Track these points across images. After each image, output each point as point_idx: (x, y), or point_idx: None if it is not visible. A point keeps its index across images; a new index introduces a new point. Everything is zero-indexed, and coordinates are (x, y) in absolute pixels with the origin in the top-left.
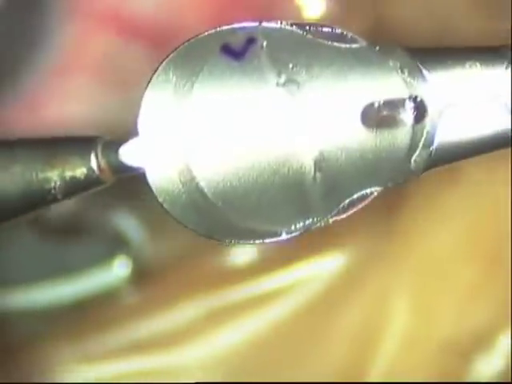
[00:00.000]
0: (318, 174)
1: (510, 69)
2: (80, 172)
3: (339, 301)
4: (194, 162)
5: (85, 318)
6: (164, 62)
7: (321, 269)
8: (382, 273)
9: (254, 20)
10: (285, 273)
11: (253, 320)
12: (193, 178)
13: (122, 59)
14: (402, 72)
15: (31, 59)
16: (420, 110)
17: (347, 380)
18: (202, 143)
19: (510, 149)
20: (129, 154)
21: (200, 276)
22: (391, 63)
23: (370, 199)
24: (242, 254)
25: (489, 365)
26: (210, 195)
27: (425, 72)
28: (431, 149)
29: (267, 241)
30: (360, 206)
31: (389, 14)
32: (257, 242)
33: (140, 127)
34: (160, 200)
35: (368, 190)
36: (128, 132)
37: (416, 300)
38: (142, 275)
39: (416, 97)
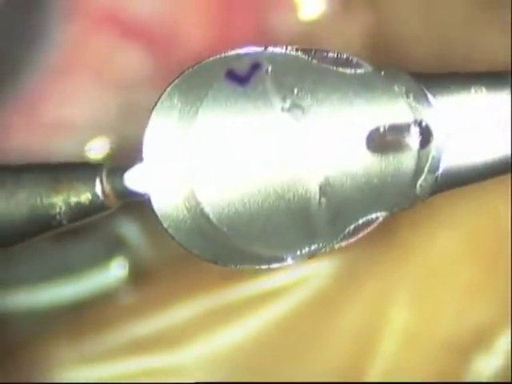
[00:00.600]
0: (323, 199)
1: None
2: (85, 197)
3: (340, 299)
4: (198, 187)
5: (83, 318)
6: (169, 88)
7: (321, 267)
8: (382, 272)
9: (258, 43)
10: (285, 271)
11: (253, 319)
12: (198, 204)
13: (122, 59)
14: (408, 97)
15: (31, 59)
16: (425, 135)
17: (347, 379)
18: (206, 169)
19: None
20: (134, 180)
21: (198, 276)
22: (396, 88)
23: (375, 224)
24: None
25: (489, 364)
26: (215, 221)
27: (430, 97)
28: (437, 174)
29: (273, 266)
30: (365, 231)
31: (387, 18)
32: (262, 267)
33: (145, 153)
34: (165, 225)
35: (373, 215)
36: (126, 132)
37: (416, 299)
38: (140, 275)
39: (421, 121)
